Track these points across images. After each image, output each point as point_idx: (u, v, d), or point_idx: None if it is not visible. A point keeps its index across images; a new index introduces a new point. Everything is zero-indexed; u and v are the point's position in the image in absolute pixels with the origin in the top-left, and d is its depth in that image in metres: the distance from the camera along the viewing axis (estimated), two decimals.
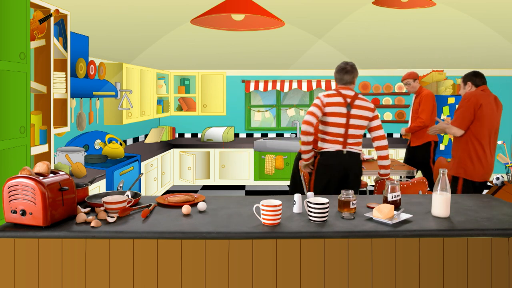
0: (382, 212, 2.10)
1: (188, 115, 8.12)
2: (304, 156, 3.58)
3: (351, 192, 2.23)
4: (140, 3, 3.90)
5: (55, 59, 3.72)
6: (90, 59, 5.55)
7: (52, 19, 3.42)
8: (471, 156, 3.89)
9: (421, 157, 5.35)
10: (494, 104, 3.89)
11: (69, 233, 1.94)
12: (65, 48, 3.75)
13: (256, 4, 2.80)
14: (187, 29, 4.79)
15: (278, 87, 8.02)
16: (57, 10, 3.35)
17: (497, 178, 5.04)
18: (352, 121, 3.46)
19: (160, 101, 7.53)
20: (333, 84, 8.00)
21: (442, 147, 7.37)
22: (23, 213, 1.94)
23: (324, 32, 5.13)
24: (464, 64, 7.29)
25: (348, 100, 3.48)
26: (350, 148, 3.49)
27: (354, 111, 3.46)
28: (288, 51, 6.19)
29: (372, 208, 2.34)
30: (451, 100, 7.29)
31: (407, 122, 8.02)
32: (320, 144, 3.57)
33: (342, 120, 3.44)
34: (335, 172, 3.49)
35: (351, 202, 2.20)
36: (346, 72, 3.55)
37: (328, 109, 3.45)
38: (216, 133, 7.70)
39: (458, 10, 4.30)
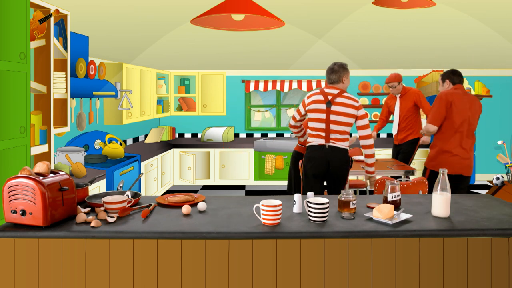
0: (382, 212, 2.10)
1: (188, 115, 8.12)
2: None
3: (351, 192, 2.23)
4: (140, 3, 3.90)
5: (55, 59, 3.72)
6: (90, 59, 5.55)
7: (52, 19, 3.42)
8: (439, 150, 4.12)
9: (406, 152, 5.48)
10: (468, 103, 4.04)
11: (69, 233, 1.94)
12: (65, 48, 3.75)
13: (256, 4, 2.80)
14: (187, 29, 4.79)
15: (278, 87, 8.02)
16: (57, 10, 3.35)
17: (497, 178, 5.04)
18: (333, 117, 3.67)
19: (160, 101, 7.53)
20: None
21: None
22: (23, 213, 1.94)
23: (324, 32, 5.13)
24: (464, 64, 7.29)
25: (329, 97, 3.70)
26: (333, 143, 3.68)
27: (334, 108, 3.68)
28: (288, 51, 6.19)
29: (372, 208, 2.34)
30: None
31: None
32: (308, 139, 3.85)
33: (322, 116, 3.68)
34: (318, 165, 3.68)
35: (351, 202, 2.20)
36: (332, 72, 3.79)
37: (309, 106, 3.75)
38: (216, 133, 7.70)
39: (458, 10, 4.30)
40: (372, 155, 3.81)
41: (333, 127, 3.67)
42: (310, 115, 3.76)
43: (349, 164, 3.78)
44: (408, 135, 5.49)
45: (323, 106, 3.70)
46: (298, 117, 3.89)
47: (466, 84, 7.54)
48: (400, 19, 4.61)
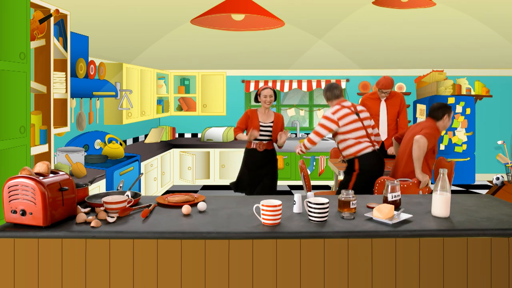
0: (382, 212, 2.10)
1: (188, 115, 8.12)
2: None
3: (351, 192, 2.23)
4: (140, 3, 3.90)
5: (55, 59, 3.72)
6: (90, 59, 5.55)
7: (52, 19, 3.42)
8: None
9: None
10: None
11: (69, 233, 1.94)
12: (65, 48, 3.75)
13: (256, 4, 2.80)
14: (187, 29, 4.79)
15: (278, 87, 8.02)
16: (57, 10, 3.35)
17: (497, 178, 5.04)
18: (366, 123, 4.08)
19: (160, 101, 7.53)
20: None
21: (442, 147, 7.38)
22: (23, 213, 1.94)
23: (324, 32, 5.13)
24: (464, 64, 7.29)
25: (353, 108, 4.02)
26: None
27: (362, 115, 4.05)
28: (288, 51, 6.19)
29: (372, 208, 2.34)
30: (451, 100, 7.29)
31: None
32: (355, 148, 4.00)
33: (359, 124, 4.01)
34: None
35: (351, 202, 2.19)
36: (337, 88, 4.14)
37: (344, 120, 3.95)
38: (216, 133, 7.70)
39: (458, 10, 4.30)
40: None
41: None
42: (347, 127, 3.94)
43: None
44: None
45: (355, 117, 3.97)
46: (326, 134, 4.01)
47: (466, 84, 7.55)
48: (400, 19, 4.61)
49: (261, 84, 8.02)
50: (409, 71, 8.06)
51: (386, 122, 5.26)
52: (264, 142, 4.47)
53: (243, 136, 4.49)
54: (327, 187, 7.47)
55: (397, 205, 2.34)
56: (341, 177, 5.98)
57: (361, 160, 3.89)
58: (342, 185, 4.08)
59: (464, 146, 7.38)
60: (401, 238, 1.97)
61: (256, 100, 4.63)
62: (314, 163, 7.62)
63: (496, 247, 1.99)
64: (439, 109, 3.94)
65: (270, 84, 8.06)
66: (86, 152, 5.07)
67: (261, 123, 4.49)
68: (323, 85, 7.97)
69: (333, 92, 4.06)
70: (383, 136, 5.31)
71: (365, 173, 3.91)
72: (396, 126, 5.34)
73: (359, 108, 4.02)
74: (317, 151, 7.60)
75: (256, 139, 4.48)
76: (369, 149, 3.90)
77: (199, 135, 8.31)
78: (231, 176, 7.47)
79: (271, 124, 4.52)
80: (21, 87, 2.81)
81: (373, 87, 7.70)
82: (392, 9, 4.20)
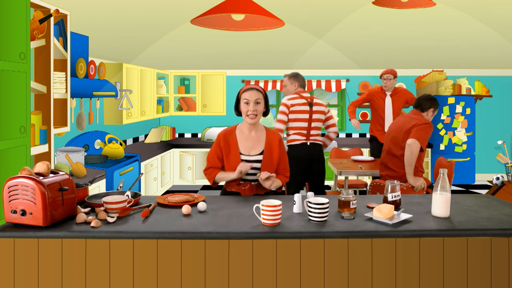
0: (382, 212, 2.10)
1: (188, 115, 8.12)
2: None
3: (351, 192, 2.23)
4: (140, 3, 3.90)
5: (55, 59, 3.72)
6: (90, 59, 5.55)
7: (52, 19, 3.42)
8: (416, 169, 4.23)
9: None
10: None
11: (69, 233, 1.94)
12: (65, 48, 3.75)
13: (256, 4, 2.80)
14: (187, 29, 4.79)
15: (278, 87, 8.01)
16: (57, 10, 3.35)
17: (497, 178, 5.04)
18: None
19: (160, 101, 7.53)
20: (333, 84, 8.00)
21: (442, 147, 7.38)
22: (23, 213, 1.94)
23: (324, 32, 5.13)
24: (464, 64, 7.29)
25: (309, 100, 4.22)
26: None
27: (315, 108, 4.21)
28: (288, 51, 6.19)
29: (372, 208, 2.34)
30: (451, 100, 7.29)
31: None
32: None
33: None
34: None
35: (351, 202, 2.19)
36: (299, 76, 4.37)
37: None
38: (216, 133, 7.70)
39: (458, 10, 4.30)
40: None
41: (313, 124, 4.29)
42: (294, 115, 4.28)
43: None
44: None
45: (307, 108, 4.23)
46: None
47: (466, 84, 7.54)
48: (400, 19, 4.61)
49: (261, 85, 7.99)
50: (409, 71, 8.06)
51: (391, 116, 5.34)
52: (252, 183, 2.79)
53: (225, 175, 2.80)
54: (327, 187, 7.47)
55: (397, 205, 2.34)
56: (341, 177, 5.95)
57: (289, 150, 4.21)
58: None
59: (464, 146, 7.38)
60: (401, 238, 1.97)
61: (237, 108, 2.84)
62: None
63: (496, 247, 1.99)
64: (427, 100, 3.84)
65: (270, 85, 8.02)
66: (86, 152, 5.07)
67: (243, 156, 2.77)
68: (323, 85, 7.97)
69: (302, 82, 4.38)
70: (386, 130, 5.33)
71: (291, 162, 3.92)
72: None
73: (316, 101, 4.23)
74: None
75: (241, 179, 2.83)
76: (298, 142, 4.18)
77: (199, 135, 8.31)
78: None
79: (260, 158, 2.76)
80: (21, 87, 2.81)
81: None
82: (392, 9, 4.20)
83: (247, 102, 2.71)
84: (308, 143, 4.18)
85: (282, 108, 4.22)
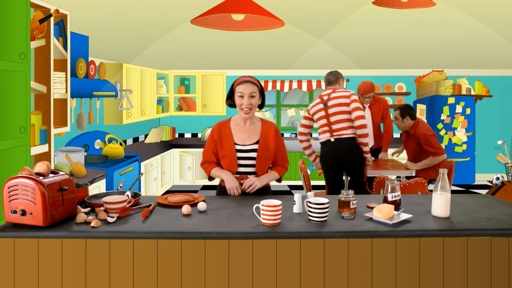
0: (382, 212, 2.10)
1: (188, 115, 8.12)
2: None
3: (351, 192, 2.23)
4: (140, 3, 3.90)
5: (55, 59, 3.72)
6: (90, 59, 5.55)
7: (52, 19, 3.42)
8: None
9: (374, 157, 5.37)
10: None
11: (69, 233, 1.94)
12: (65, 48, 3.75)
13: (256, 4, 2.80)
14: (187, 29, 4.79)
15: (278, 87, 8.02)
16: (57, 10, 3.35)
17: (497, 178, 5.04)
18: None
19: (160, 101, 7.53)
20: None
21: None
22: (23, 213, 1.94)
23: (324, 32, 5.13)
24: (464, 64, 7.29)
25: (325, 97, 4.26)
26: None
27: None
28: (288, 51, 6.19)
29: (372, 208, 2.34)
30: (451, 100, 7.29)
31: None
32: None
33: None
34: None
35: (351, 202, 2.19)
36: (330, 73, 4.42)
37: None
38: None
39: (458, 10, 4.30)
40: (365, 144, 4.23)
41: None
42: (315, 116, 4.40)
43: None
44: (377, 144, 5.35)
45: (321, 106, 4.28)
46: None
47: (466, 84, 7.54)
48: (400, 19, 4.61)
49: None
50: (409, 71, 8.06)
51: (371, 128, 5.26)
52: (247, 176, 2.73)
53: (219, 174, 2.75)
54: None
55: (397, 205, 2.34)
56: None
57: (320, 148, 4.31)
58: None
59: (464, 146, 7.38)
60: (401, 238, 1.97)
61: (230, 98, 2.81)
62: None
63: (496, 247, 1.99)
64: (405, 109, 4.65)
65: (270, 85, 8.02)
66: (86, 152, 5.07)
67: (237, 146, 2.73)
68: (323, 85, 7.97)
69: (327, 77, 4.45)
70: (370, 143, 5.26)
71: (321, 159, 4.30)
72: (381, 131, 5.35)
73: (333, 95, 4.20)
74: (317, 151, 7.60)
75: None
76: (324, 139, 4.22)
77: (199, 135, 8.31)
78: None
79: (256, 147, 2.72)
80: (21, 87, 2.81)
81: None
82: (392, 9, 4.20)
83: (241, 95, 2.66)
84: (332, 139, 4.16)
85: (304, 113, 4.35)
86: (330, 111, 4.15)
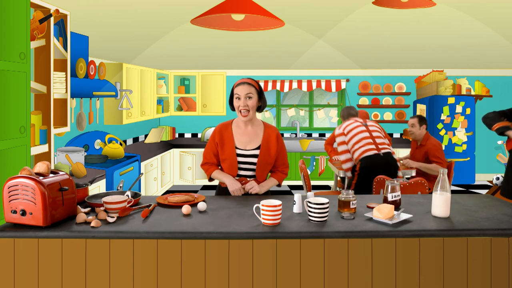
0: (382, 212, 2.10)
1: (188, 115, 8.12)
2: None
3: (351, 192, 2.23)
4: (140, 3, 3.90)
5: (55, 59, 3.72)
6: (90, 59, 5.55)
7: (52, 19, 3.42)
8: None
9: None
10: None
11: (69, 233, 1.94)
12: (65, 48, 3.75)
13: (256, 4, 2.80)
14: (187, 29, 4.79)
15: (278, 87, 8.02)
16: (57, 10, 3.35)
17: (497, 178, 5.04)
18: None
19: (160, 101, 7.53)
20: (333, 84, 8.00)
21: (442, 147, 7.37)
22: (23, 213, 1.94)
23: (324, 32, 5.13)
24: (464, 64, 7.29)
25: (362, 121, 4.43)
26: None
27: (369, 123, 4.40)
28: (288, 51, 6.19)
29: (372, 208, 2.34)
30: (451, 100, 7.29)
31: (407, 122, 8.00)
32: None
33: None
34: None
35: (351, 202, 2.19)
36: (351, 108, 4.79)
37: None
38: None
39: (458, 10, 4.30)
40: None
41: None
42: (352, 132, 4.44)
43: None
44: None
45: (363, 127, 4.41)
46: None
47: (466, 84, 7.54)
48: (400, 19, 4.61)
49: (261, 84, 7.99)
50: (409, 71, 8.06)
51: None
52: (247, 179, 2.75)
53: (219, 176, 2.76)
54: (327, 187, 7.47)
55: (397, 205, 2.34)
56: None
57: (363, 161, 4.17)
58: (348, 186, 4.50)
59: (464, 146, 7.38)
60: (401, 238, 1.97)
61: (232, 103, 2.73)
62: (314, 163, 7.62)
63: (496, 247, 1.99)
64: (422, 118, 4.86)
65: (270, 85, 8.02)
66: (86, 152, 5.07)
67: (238, 150, 2.72)
68: (323, 85, 7.97)
69: (349, 111, 4.78)
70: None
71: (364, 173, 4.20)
72: None
73: (369, 123, 4.41)
74: (317, 151, 7.59)
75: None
76: (370, 153, 4.16)
77: (199, 135, 8.31)
78: None
79: (257, 152, 2.71)
80: (21, 87, 2.81)
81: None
82: (392, 9, 4.20)
83: (238, 97, 2.63)
84: (381, 153, 4.14)
85: (339, 138, 4.35)
86: (371, 128, 4.34)
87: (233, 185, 2.66)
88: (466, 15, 4.43)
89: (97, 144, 5.30)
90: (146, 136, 7.82)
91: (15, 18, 2.75)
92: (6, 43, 2.68)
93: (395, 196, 2.34)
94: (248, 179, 2.73)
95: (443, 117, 7.34)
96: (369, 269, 1.98)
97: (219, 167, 2.84)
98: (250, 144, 2.72)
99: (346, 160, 4.38)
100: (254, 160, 2.70)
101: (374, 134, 4.29)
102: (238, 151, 2.70)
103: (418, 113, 7.59)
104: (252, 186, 2.65)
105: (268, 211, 2.02)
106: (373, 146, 4.21)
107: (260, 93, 2.69)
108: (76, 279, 1.95)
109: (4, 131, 2.67)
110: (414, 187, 3.74)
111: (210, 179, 2.89)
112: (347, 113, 4.82)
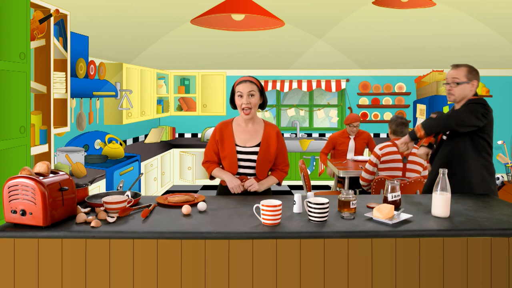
0: (382, 212, 2.10)
1: (188, 115, 8.12)
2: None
3: (351, 192, 2.23)
4: (140, 3, 3.90)
5: (55, 59, 3.72)
6: (90, 59, 5.55)
7: (52, 19, 3.42)
8: None
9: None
10: None
11: (69, 233, 1.94)
12: (65, 48, 3.75)
13: (256, 4, 2.80)
14: (187, 29, 4.79)
15: (278, 87, 8.02)
16: (57, 10, 3.35)
17: (497, 178, 5.04)
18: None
19: (160, 101, 7.53)
20: (333, 84, 8.00)
21: None
22: (23, 213, 1.94)
23: (324, 32, 5.13)
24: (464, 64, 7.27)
25: None
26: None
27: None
28: (288, 51, 6.19)
29: (372, 208, 2.34)
30: None
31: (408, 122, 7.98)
32: None
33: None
34: None
35: (351, 202, 2.19)
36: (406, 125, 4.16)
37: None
38: None
39: (458, 10, 4.30)
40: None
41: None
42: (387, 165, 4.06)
43: None
44: None
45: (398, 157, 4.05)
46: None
47: None
48: (400, 19, 4.61)
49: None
50: (409, 71, 8.06)
51: (353, 156, 5.50)
52: (247, 177, 2.75)
53: (220, 174, 2.76)
54: (327, 187, 7.47)
55: (397, 205, 2.34)
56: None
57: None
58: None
59: None
60: (401, 238, 1.97)
61: (232, 101, 2.78)
62: (314, 163, 7.62)
63: (496, 247, 1.99)
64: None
65: (270, 85, 8.02)
66: (86, 152, 5.07)
67: (238, 147, 2.73)
68: (323, 85, 7.97)
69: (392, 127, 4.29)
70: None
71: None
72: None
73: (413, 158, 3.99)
74: (317, 151, 7.59)
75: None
76: None
77: (199, 135, 8.31)
78: None
79: (257, 150, 2.72)
80: (21, 87, 2.81)
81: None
82: (392, 9, 4.20)
83: (240, 95, 2.65)
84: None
85: (372, 158, 4.01)
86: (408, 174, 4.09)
87: (232, 182, 2.66)
88: (466, 15, 4.43)
89: (97, 144, 5.30)
90: (146, 136, 7.82)
91: (15, 18, 2.75)
92: (6, 43, 2.68)
93: (395, 196, 2.34)
94: (249, 177, 2.74)
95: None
96: (369, 269, 1.98)
97: (220, 166, 2.84)
98: (250, 141, 2.73)
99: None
100: (254, 157, 2.71)
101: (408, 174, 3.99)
102: (238, 149, 2.72)
103: (418, 113, 7.59)
104: (252, 184, 2.66)
105: (268, 211, 2.02)
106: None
107: (262, 91, 2.72)
108: (76, 279, 1.95)
109: (4, 131, 2.67)
110: (414, 186, 3.74)
111: (211, 178, 2.90)
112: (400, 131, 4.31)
